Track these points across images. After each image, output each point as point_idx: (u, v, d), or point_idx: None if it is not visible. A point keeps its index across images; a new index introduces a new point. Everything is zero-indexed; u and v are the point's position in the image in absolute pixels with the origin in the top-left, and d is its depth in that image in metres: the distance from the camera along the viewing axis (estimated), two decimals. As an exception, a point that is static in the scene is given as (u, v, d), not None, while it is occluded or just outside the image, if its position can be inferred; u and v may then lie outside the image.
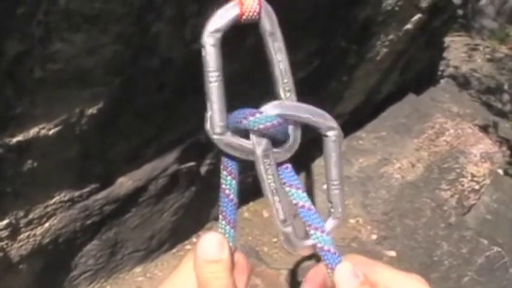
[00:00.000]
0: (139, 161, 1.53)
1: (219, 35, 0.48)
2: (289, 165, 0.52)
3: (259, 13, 0.49)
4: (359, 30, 1.96)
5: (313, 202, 0.52)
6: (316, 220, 0.51)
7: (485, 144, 2.65)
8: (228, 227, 0.50)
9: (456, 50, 3.68)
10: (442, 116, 2.72)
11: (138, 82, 1.31)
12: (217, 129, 0.48)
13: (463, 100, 3.07)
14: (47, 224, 1.37)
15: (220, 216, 0.51)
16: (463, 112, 2.85)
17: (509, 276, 2.14)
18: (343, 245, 1.99)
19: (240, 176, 0.51)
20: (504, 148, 2.90)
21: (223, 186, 0.50)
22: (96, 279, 1.67)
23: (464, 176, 2.45)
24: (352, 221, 2.14)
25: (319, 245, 0.51)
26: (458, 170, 2.46)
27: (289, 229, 0.51)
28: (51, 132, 1.17)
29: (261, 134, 0.49)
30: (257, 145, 0.49)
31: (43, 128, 1.15)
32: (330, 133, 0.52)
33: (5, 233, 1.26)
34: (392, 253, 2.07)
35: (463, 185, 2.41)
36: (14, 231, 1.29)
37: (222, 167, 0.51)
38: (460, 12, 3.58)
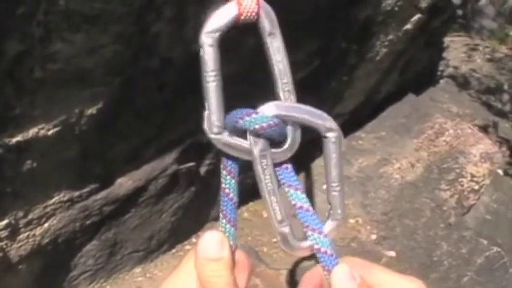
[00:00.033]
0: (139, 161, 1.53)
1: (217, 35, 0.47)
2: (289, 166, 0.51)
3: (257, 13, 0.49)
4: (359, 31, 1.96)
5: (312, 202, 0.52)
6: (314, 221, 0.51)
7: (485, 145, 2.65)
8: (228, 226, 0.50)
9: (456, 50, 3.67)
10: (442, 116, 2.72)
11: (138, 82, 1.31)
12: (215, 129, 0.48)
13: (463, 100, 3.06)
14: (46, 224, 1.37)
15: (221, 215, 0.51)
16: (463, 112, 2.85)
17: (509, 276, 2.13)
18: (342, 245, 1.99)
19: (240, 176, 0.51)
20: (504, 148, 2.90)
21: (223, 185, 0.50)
22: (95, 279, 1.67)
23: (464, 176, 2.45)
24: (351, 221, 2.14)
25: (316, 247, 0.51)
26: (457, 170, 2.46)
27: (286, 230, 0.51)
28: (50, 132, 1.17)
29: (258, 134, 0.48)
30: (254, 145, 0.49)
31: (42, 128, 1.15)
32: (330, 134, 0.51)
33: (4, 233, 1.26)
34: (392, 253, 2.07)
35: (462, 185, 2.41)
36: (13, 232, 1.29)
37: (221, 166, 0.51)
38: (459, 12, 3.58)
